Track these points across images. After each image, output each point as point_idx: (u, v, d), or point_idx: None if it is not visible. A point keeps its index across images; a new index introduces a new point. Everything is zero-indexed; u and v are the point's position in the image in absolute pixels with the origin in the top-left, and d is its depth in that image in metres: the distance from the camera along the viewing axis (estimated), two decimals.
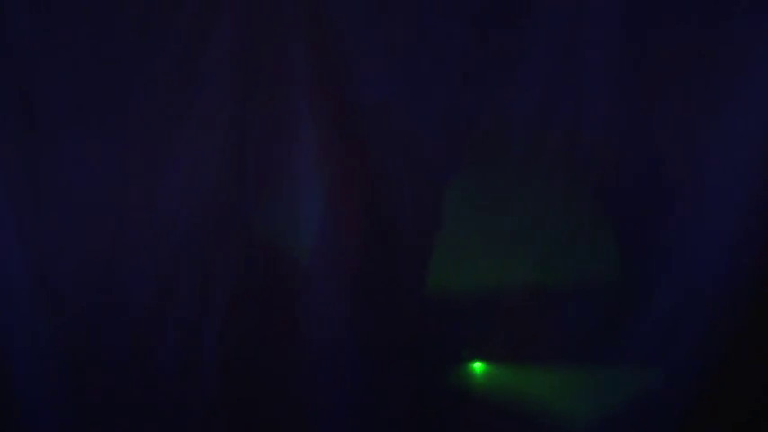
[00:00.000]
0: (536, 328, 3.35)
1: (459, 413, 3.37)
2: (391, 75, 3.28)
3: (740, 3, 3.21)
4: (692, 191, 3.26)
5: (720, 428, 3.30)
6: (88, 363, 3.28)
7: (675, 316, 3.27)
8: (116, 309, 3.28)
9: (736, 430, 3.29)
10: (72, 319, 3.26)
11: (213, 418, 3.33)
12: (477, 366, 3.37)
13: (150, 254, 3.28)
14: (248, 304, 3.32)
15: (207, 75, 3.25)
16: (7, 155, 3.26)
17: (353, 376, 3.34)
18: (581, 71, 3.27)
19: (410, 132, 3.30)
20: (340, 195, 3.31)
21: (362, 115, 3.29)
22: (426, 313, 3.34)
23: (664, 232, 3.27)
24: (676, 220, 3.27)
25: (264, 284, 3.31)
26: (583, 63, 3.27)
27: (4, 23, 3.22)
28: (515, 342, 3.36)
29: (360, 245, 3.32)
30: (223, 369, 3.32)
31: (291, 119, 3.29)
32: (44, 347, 3.27)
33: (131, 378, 3.29)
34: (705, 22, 3.23)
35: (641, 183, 3.28)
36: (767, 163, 3.20)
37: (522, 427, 3.35)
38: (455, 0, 3.27)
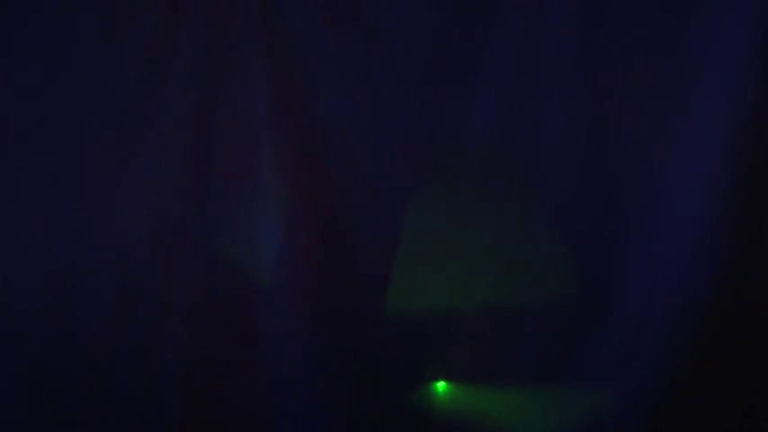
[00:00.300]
0: (496, 348, 3.34)
1: None
2: (351, 92, 3.30)
3: (691, 25, 3.25)
4: (649, 209, 3.27)
5: None
6: (44, 381, 3.25)
7: (633, 333, 3.27)
8: (74, 327, 3.26)
9: None
10: (29, 335, 3.24)
11: None
12: (439, 386, 3.36)
13: (109, 272, 3.27)
14: (208, 323, 3.31)
15: (166, 91, 3.26)
16: None
17: (314, 396, 3.32)
18: (538, 88, 3.29)
19: (369, 150, 3.31)
20: (300, 213, 3.31)
21: (322, 133, 3.30)
22: (387, 333, 3.33)
23: (620, 250, 3.28)
24: (633, 237, 3.28)
25: (224, 303, 3.31)
26: (540, 81, 3.29)
27: None
28: (476, 362, 3.35)
29: (320, 262, 3.32)
30: (183, 389, 3.30)
31: (252, 136, 3.30)
32: None
33: (89, 397, 3.27)
34: (660, 42, 3.26)
35: (598, 201, 3.29)
36: (720, 182, 3.22)
37: None
38: (413, 17, 3.29)
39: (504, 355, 3.35)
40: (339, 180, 3.31)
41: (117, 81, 3.26)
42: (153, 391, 3.29)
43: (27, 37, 3.23)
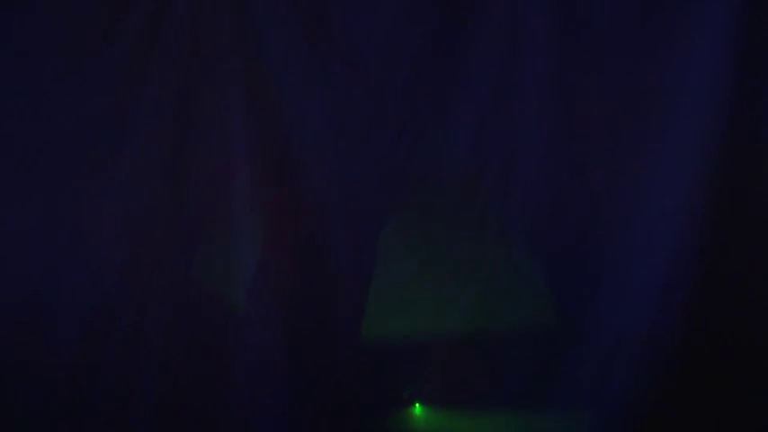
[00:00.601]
0: (472, 371, 3.35)
1: None
2: (328, 112, 3.29)
3: (668, 45, 3.26)
4: (622, 236, 3.29)
5: None
6: (20, 401, 3.23)
7: (607, 358, 3.30)
8: (50, 346, 3.25)
9: None
10: (5, 354, 3.22)
11: None
12: (414, 410, 3.37)
13: (86, 292, 3.26)
14: (183, 342, 3.30)
15: (142, 111, 3.25)
16: None
17: (290, 418, 3.33)
18: (515, 110, 3.30)
19: (346, 171, 3.31)
20: (276, 235, 3.31)
21: (299, 154, 3.30)
22: (363, 356, 3.34)
23: (595, 276, 3.30)
24: (607, 263, 3.30)
25: (200, 323, 3.31)
26: (516, 109, 3.30)
27: None
28: (451, 385, 3.36)
29: (295, 284, 3.32)
30: (158, 408, 3.29)
31: (228, 158, 3.30)
32: None
33: (65, 416, 3.25)
34: (636, 62, 3.28)
35: (573, 227, 3.31)
36: (693, 207, 3.24)
37: None
38: (391, 47, 3.29)
39: (479, 378, 3.36)
40: (315, 202, 3.31)
41: (92, 101, 3.24)
42: (129, 411, 3.28)
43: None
